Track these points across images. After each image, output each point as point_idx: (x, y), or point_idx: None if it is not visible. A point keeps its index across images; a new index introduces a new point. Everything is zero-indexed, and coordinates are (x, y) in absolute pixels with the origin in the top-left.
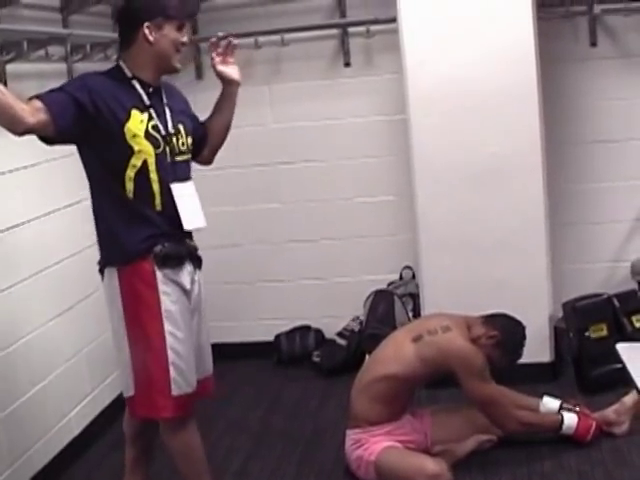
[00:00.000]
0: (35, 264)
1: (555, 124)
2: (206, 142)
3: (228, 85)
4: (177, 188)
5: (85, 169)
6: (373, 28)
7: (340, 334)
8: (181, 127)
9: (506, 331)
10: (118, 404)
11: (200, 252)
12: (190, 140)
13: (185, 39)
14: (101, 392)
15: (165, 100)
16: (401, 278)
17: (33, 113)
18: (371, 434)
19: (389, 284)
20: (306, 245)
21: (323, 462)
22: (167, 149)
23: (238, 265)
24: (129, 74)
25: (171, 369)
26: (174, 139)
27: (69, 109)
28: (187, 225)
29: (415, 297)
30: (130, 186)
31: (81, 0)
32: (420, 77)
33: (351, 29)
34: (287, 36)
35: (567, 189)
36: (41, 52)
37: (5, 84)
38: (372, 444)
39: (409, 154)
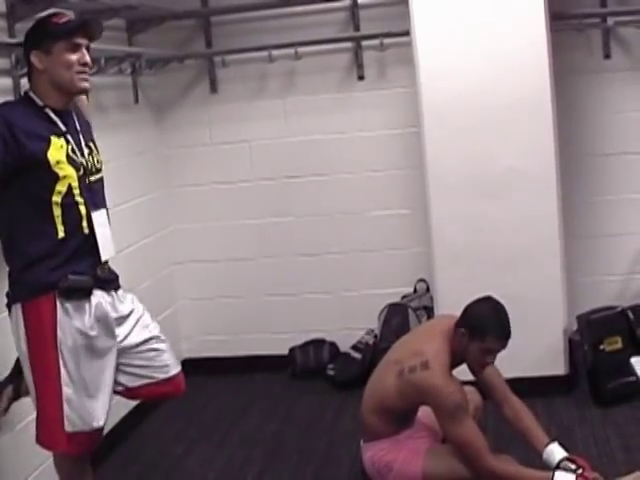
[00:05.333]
0: None
1: (569, 136)
2: None
3: None
4: (96, 216)
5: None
6: (387, 41)
7: (354, 347)
8: (92, 144)
9: (469, 318)
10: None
11: (215, 266)
12: (102, 157)
13: (85, 58)
14: None
15: (77, 123)
16: (415, 291)
17: None
18: (394, 440)
19: (403, 297)
20: (320, 258)
21: (338, 475)
22: (85, 171)
23: (252, 278)
24: (40, 103)
25: (65, 405)
26: (90, 158)
27: None
28: (104, 255)
29: (429, 310)
30: (58, 212)
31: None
32: (434, 90)
33: (365, 42)
34: (301, 49)
35: (581, 202)
36: None
37: (20, 96)
38: (400, 450)
39: (423, 167)
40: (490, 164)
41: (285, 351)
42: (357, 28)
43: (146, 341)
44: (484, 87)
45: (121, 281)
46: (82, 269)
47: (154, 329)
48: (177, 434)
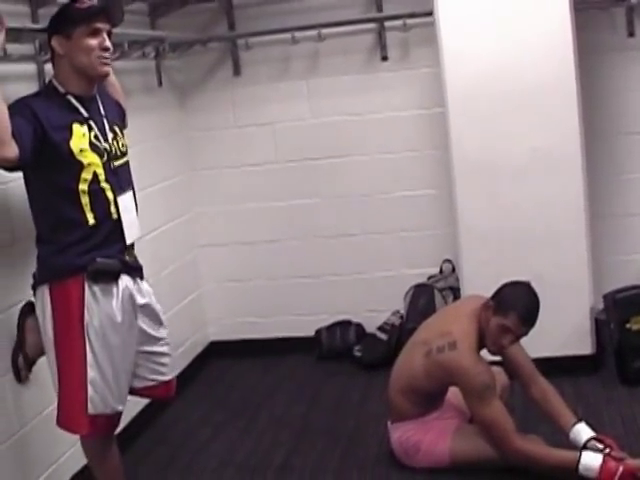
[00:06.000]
0: None
1: (594, 115)
2: None
3: None
4: (122, 200)
5: (30, 194)
6: (410, 22)
7: (381, 328)
8: (117, 129)
9: (501, 292)
10: None
11: (240, 248)
12: (127, 141)
13: (105, 43)
14: None
15: (102, 108)
16: (441, 272)
17: (11, 144)
18: (422, 421)
19: (429, 278)
20: (346, 240)
21: (365, 456)
22: (110, 156)
23: (278, 260)
24: (62, 90)
25: (89, 387)
26: (114, 143)
27: (29, 136)
28: (129, 239)
29: (455, 291)
30: (86, 199)
31: None
32: (458, 70)
33: (388, 23)
34: (324, 31)
35: (607, 180)
36: None
37: (44, 82)
38: (428, 431)
39: (448, 148)
40: (515, 144)
41: (311, 333)
42: (380, 9)
43: (159, 339)
44: (508, 67)
45: (146, 264)
46: (111, 253)
47: (164, 331)
48: (203, 417)
